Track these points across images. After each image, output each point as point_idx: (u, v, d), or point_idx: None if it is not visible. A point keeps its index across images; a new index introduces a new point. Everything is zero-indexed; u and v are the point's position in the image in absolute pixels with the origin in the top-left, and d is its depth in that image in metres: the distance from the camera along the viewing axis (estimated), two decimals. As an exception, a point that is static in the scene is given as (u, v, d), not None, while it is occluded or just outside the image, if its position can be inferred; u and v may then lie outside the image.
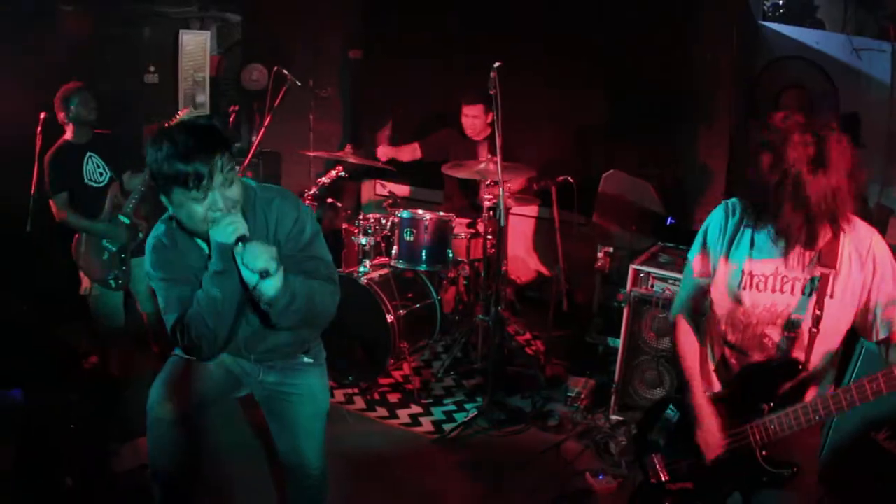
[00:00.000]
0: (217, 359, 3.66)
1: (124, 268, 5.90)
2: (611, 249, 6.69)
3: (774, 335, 3.14)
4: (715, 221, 3.29)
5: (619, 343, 5.87)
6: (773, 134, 2.82)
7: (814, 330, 3.03)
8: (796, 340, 3.09)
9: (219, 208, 3.01)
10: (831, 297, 3.00)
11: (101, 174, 5.90)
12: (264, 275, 2.99)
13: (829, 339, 3.09)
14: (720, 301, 3.28)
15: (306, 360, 3.76)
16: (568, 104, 7.77)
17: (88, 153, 5.88)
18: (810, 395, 3.14)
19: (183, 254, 3.27)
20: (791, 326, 3.08)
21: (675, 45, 7.17)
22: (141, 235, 5.87)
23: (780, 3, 7.54)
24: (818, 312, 3.01)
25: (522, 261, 8.38)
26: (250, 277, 3.02)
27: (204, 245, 3.25)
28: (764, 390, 3.15)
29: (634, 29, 7.36)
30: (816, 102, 7.44)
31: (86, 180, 5.87)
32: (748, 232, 3.15)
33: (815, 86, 7.46)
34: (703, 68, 7.15)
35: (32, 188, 5.84)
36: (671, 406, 3.48)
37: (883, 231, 7.23)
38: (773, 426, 3.09)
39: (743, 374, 3.24)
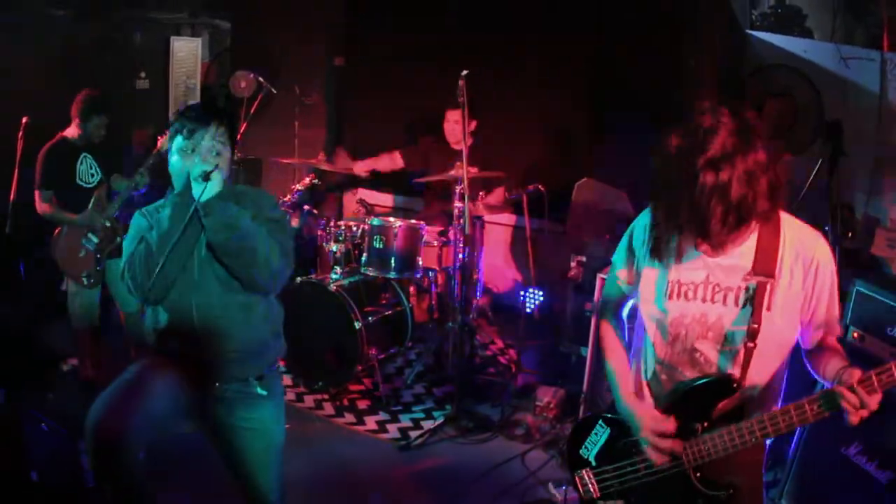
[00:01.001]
0: (168, 382, 3.56)
1: (98, 267, 5.97)
2: (584, 258, 6.66)
3: (706, 349, 2.94)
4: (641, 225, 3.12)
5: (588, 353, 5.84)
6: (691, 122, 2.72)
7: (750, 344, 2.83)
8: (734, 356, 2.90)
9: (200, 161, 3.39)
10: (768, 309, 2.81)
11: (92, 175, 6.00)
12: (205, 178, 3.29)
13: (770, 354, 2.91)
14: (647, 311, 3.09)
15: (259, 391, 3.68)
16: (547, 113, 7.77)
17: (84, 154, 5.99)
18: (749, 414, 2.91)
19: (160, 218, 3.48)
20: (726, 340, 2.89)
21: (659, 53, 7.15)
22: (119, 239, 5.92)
23: (769, 11, 7.52)
24: (754, 325, 2.81)
25: (499, 269, 8.36)
26: (198, 186, 3.29)
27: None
28: (697, 409, 2.95)
29: (616, 36, 7.36)
30: (801, 111, 7.43)
31: (77, 180, 5.96)
32: (675, 237, 2.90)
33: (800, 94, 7.44)
34: (688, 76, 7.13)
35: (12, 194, 5.86)
36: (601, 422, 3.30)
37: (869, 241, 7.28)
38: (706, 447, 2.91)
39: (675, 391, 3.02)
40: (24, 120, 5.91)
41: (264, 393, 3.69)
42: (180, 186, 3.45)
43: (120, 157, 6.09)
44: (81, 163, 5.98)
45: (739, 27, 7.52)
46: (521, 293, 7.54)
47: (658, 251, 2.94)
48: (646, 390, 3.17)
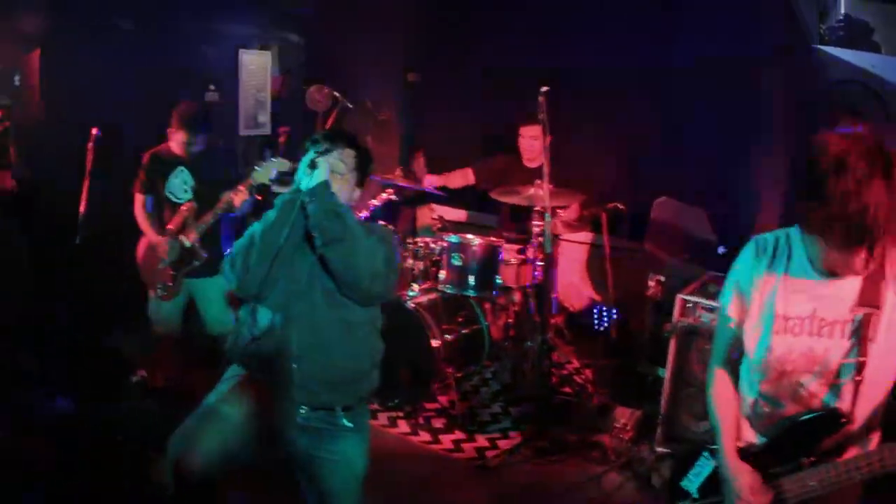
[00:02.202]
0: (250, 411, 3.62)
1: (170, 283, 6.00)
2: (662, 278, 6.59)
3: (811, 384, 2.90)
4: (745, 261, 3.09)
5: (666, 374, 5.78)
6: (835, 144, 2.61)
7: (857, 378, 2.80)
8: (838, 389, 2.86)
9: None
10: (873, 340, 2.77)
11: (184, 191, 6.00)
12: (311, 166, 3.49)
13: (876, 385, 2.86)
14: (752, 346, 3.04)
15: (346, 423, 3.66)
16: (622, 130, 7.68)
17: (180, 167, 5.99)
18: (853, 450, 2.90)
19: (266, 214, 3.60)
20: (833, 374, 2.85)
21: (730, 72, 7.06)
22: (196, 263, 5.95)
23: (836, 25, 7.39)
24: (861, 359, 2.78)
25: (575, 287, 8.30)
26: (306, 176, 3.50)
27: None
28: (804, 444, 2.93)
29: (689, 56, 7.27)
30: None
31: (167, 192, 6.00)
32: (782, 262, 2.92)
33: (871, 111, 7.29)
34: (758, 95, 7.03)
35: (82, 205, 5.95)
36: (706, 453, 3.28)
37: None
38: (811, 482, 2.88)
39: (782, 425, 2.99)
40: (94, 131, 5.98)
41: (350, 425, 3.67)
42: None
43: (218, 172, 6.03)
44: (176, 176, 5.99)
45: (808, 43, 7.40)
46: (598, 312, 7.49)
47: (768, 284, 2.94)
48: (745, 423, 3.14)
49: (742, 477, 3.02)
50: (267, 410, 3.61)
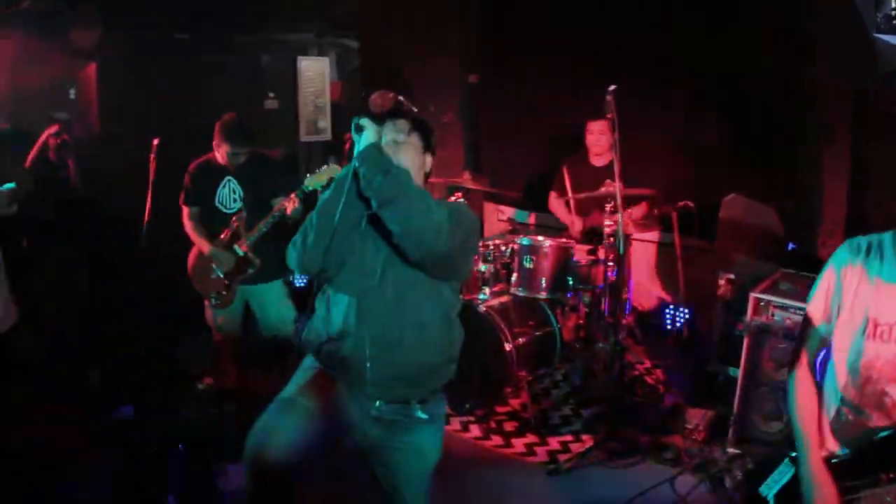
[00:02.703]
0: (326, 403, 3.62)
1: (224, 292, 6.11)
2: (732, 276, 6.56)
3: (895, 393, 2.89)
4: (838, 261, 3.05)
5: (739, 373, 5.76)
6: None
7: None
8: None
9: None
10: None
11: (234, 201, 6.09)
12: (357, 130, 3.40)
13: None
14: (840, 350, 3.02)
15: (420, 415, 3.60)
16: (687, 128, 7.67)
17: (228, 177, 6.08)
18: None
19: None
20: None
21: (790, 65, 6.99)
22: (251, 270, 6.06)
23: (893, 14, 7.25)
24: None
25: (645, 287, 8.28)
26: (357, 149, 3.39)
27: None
28: (885, 459, 2.89)
29: (749, 50, 7.22)
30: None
31: (216, 203, 6.09)
32: (874, 272, 2.90)
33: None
34: (819, 87, 6.95)
35: (146, 214, 6.07)
36: (787, 461, 3.22)
37: None
38: (888, 499, 2.85)
39: (865, 438, 2.96)
40: (156, 142, 6.09)
41: (425, 417, 3.62)
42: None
43: (269, 180, 6.15)
44: (224, 186, 6.07)
45: (865, 32, 7.29)
46: (668, 311, 7.47)
47: (862, 284, 2.92)
48: (827, 430, 3.11)
49: (823, 487, 2.97)
50: (342, 403, 3.61)
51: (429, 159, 3.69)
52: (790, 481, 3.19)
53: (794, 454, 3.18)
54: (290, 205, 5.76)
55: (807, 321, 3.18)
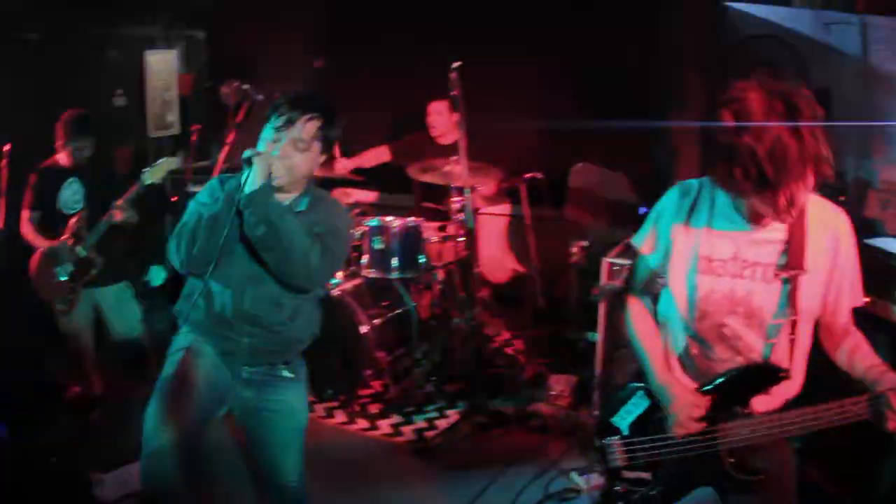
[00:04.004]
0: (203, 371, 3.69)
1: (70, 296, 5.93)
2: (585, 243, 6.62)
3: (735, 325, 2.96)
4: (669, 202, 3.11)
5: (598, 338, 5.79)
6: (740, 92, 2.68)
7: (792, 336, 2.89)
8: (764, 331, 2.91)
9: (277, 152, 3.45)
10: (802, 298, 2.85)
11: (76, 202, 5.90)
12: (248, 162, 3.32)
13: (804, 338, 2.97)
14: (677, 286, 3.08)
15: (286, 373, 3.78)
16: (535, 99, 7.72)
17: (71, 179, 5.89)
18: (778, 402, 2.99)
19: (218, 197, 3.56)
20: (757, 318, 2.91)
21: (640, 32, 7.09)
22: (94, 271, 5.88)
23: (743, -20, 7.47)
24: (793, 318, 2.87)
25: (498, 260, 8.29)
26: (244, 174, 3.34)
27: None
28: (740, 394, 2.97)
29: (598, 18, 7.29)
30: (786, 80, 7.36)
31: (59, 205, 5.89)
32: (705, 207, 2.98)
33: (785, 64, 7.39)
34: (671, 54, 7.07)
35: (0, 222, 5.79)
36: (641, 392, 3.25)
37: (861, 205, 7.23)
38: (744, 432, 2.93)
39: (720, 374, 3.01)
40: (6, 147, 5.82)
41: (291, 375, 3.80)
42: None
43: (109, 182, 5.97)
44: (67, 188, 5.90)
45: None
46: (523, 282, 7.50)
47: (693, 222, 2.98)
48: (675, 364, 3.16)
49: (674, 389, 3.05)
50: (216, 373, 3.72)
51: (320, 159, 3.69)
52: (644, 412, 3.23)
53: (645, 386, 3.23)
54: (120, 213, 5.64)
55: (634, 252, 3.28)
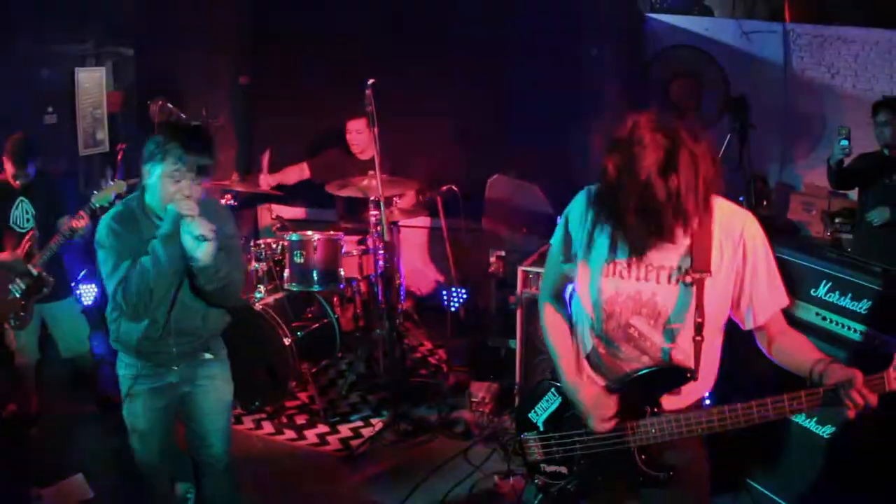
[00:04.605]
0: (142, 384, 4.14)
1: (22, 313, 5.93)
2: (503, 253, 6.75)
3: (640, 325, 3.00)
4: (576, 207, 3.13)
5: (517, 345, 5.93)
6: (623, 136, 2.71)
7: (698, 338, 2.93)
8: (674, 338, 2.98)
9: (184, 192, 3.77)
10: (708, 301, 2.90)
11: (27, 220, 5.93)
12: (202, 239, 3.74)
13: (711, 340, 3.01)
14: (584, 289, 3.12)
15: (207, 356, 4.24)
16: (453, 113, 7.84)
17: (20, 198, 5.91)
18: (688, 398, 3.08)
19: (135, 228, 3.93)
20: (663, 319, 2.96)
21: (561, 43, 7.22)
22: (45, 290, 5.91)
23: (664, -5, 7.67)
24: (699, 320, 2.90)
25: (421, 272, 8.42)
26: (191, 243, 3.76)
27: (156, 220, 3.91)
28: (648, 393, 3.05)
29: (519, 30, 7.42)
30: (706, 89, 7.56)
31: (10, 223, 5.91)
32: (610, 224, 2.93)
33: (704, 73, 7.57)
34: (590, 64, 7.21)
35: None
36: (553, 389, 3.34)
37: (785, 208, 7.47)
38: (654, 430, 3.02)
39: (628, 374, 3.08)
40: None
41: (211, 356, 4.26)
42: (165, 214, 3.84)
43: (56, 199, 6.05)
44: (17, 207, 5.92)
45: (639, 12, 7.64)
46: (444, 293, 7.62)
47: (598, 232, 2.98)
48: (585, 364, 3.23)
49: (584, 389, 3.13)
50: (162, 377, 4.16)
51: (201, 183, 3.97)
52: (557, 409, 3.34)
53: (558, 384, 3.32)
54: (80, 223, 5.66)
55: (551, 256, 3.34)
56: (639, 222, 2.69)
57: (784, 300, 3.02)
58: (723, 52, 7.56)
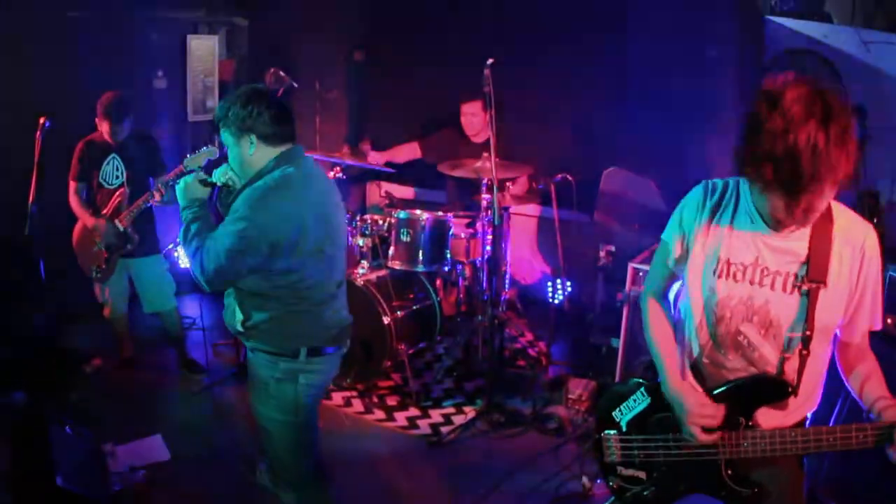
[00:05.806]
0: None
1: (104, 266, 6.14)
2: (612, 248, 6.59)
3: (750, 333, 2.87)
4: (692, 200, 3.02)
5: (619, 343, 5.77)
6: (780, 86, 2.60)
7: (804, 352, 2.80)
8: (779, 343, 2.84)
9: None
10: (819, 314, 2.77)
11: (116, 177, 6.11)
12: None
13: (819, 354, 2.88)
14: (693, 290, 3.01)
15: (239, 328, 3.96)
16: (572, 102, 7.67)
17: (112, 154, 6.11)
18: (791, 420, 2.94)
19: None
20: (774, 328, 2.83)
21: (681, 43, 7.03)
22: (129, 246, 6.11)
23: (783, -2, 7.40)
24: (808, 333, 2.78)
25: (527, 261, 8.28)
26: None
27: None
28: (745, 404, 2.91)
29: (636, 26, 7.25)
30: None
31: (100, 179, 6.12)
32: (730, 208, 2.89)
33: (822, 80, 7.29)
34: (708, 65, 7.01)
35: (31, 195, 5.84)
36: (642, 390, 3.22)
37: (894, 228, 7.15)
38: (746, 444, 2.88)
39: (728, 382, 2.95)
40: (42, 120, 5.86)
41: (251, 344, 4.00)
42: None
43: (151, 158, 6.22)
44: (108, 163, 6.10)
45: (759, 13, 7.39)
46: (550, 284, 7.48)
47: (715, 224, 2.90)
48: (688, 370, 3.10)
49: (689, 395, 2.97)
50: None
51: (250, 139, 3.83)
52: (644, 410, 3.21)
53: (647, 383, 3.21)
54: (158, 195, 5.84)
55: (660, 253, 3.19)
56: (774, 177, 2.51)
57: (878, 323, 2.89)
58: (841, 60, 7.26)
